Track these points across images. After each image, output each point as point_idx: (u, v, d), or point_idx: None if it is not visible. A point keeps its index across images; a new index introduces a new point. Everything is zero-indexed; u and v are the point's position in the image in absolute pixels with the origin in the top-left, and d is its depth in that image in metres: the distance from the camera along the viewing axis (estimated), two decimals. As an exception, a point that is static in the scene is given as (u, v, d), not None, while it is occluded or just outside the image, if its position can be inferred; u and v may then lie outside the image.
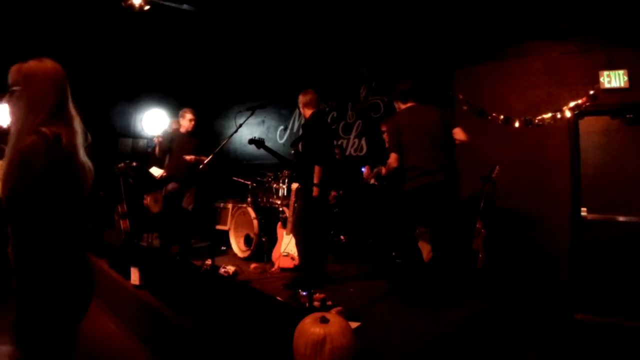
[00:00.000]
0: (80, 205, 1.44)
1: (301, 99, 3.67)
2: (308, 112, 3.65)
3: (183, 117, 4.64)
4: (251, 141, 3.96)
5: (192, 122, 4.63)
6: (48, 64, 1.42)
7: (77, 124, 1.45)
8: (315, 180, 3.40)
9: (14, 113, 1.38)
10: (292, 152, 4.20)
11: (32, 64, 1.40)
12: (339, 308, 2.71)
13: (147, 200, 5.10)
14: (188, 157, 4.41)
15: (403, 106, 3.29)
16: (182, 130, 4.66)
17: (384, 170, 3.40)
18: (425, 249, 3.42)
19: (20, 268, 1.35)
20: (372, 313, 2.81)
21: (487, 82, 4.47)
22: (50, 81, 1.40)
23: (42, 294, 1.35)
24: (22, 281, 1.36)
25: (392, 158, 3.13)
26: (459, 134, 3.14)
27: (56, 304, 1.38)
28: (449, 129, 3.15)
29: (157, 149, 4.75)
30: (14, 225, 1.32)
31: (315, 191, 3.42)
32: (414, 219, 3.14)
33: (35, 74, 1.38)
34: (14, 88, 1.37)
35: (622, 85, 3.70)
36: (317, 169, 3.39)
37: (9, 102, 1.39)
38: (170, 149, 4.63)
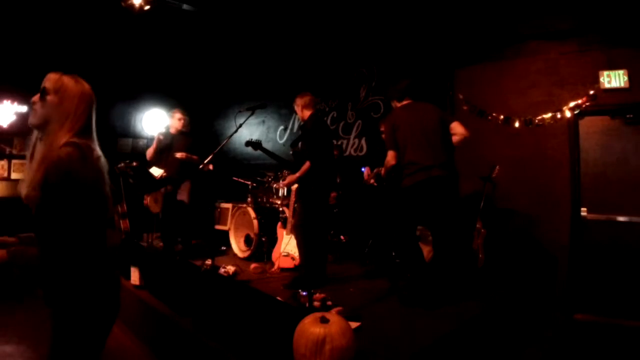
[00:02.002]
0: (105, 222, 1.48)
1: (299, 101, 3.67)
2: (307, 114, 3.65)
3: (172, 117, 4.79)
4: (248, 143, 3.96)
5: (182, 121, 4.76)
6: (85, 85, 1.49)
7: (98, 149, 1.50)
8: (299, 174, 3.43)
9: (40, 117, 1.42)
10: (291, 152, 4.21)
11: (71, 80, 1.46)
12: (339, 308, 2.71)
13: (147, 200, 5.10)
14: (179, 155, 4.52)
15: (399, 104, 3.30)
16: (172, 130, 4.78)
17: (383, 171, 3.40)
18: (424, 249, 3.42)
19: (57, 277, 1.37)
20: (372, 313, 2.81)
21: (487, 82, 4.47)
22: (85, 102, 1.46)
23: (78, 303, 1.38)
24: (56, 289, 1.38)
25: (390, 156, 3.13)
26: (456, 128, 3.10)
27: (91, 318, 1.41)
28: (445, 126, 3.12)
29: (153, 147, 4.77)
30: (47, 232, 1.35)
31: (289, 179, 3.52)
32: (413, 217, 3.13)
33: (72, 90, 1.45)
34: (49, 94, 1.42)
35: (622, 85, 3.70)
36: (306, 163, 3.41)
37: (36, 103, 1.43)
38: (169, 147, 4.69)
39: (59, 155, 1.31)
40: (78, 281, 1.37)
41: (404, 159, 3.07)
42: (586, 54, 3.89)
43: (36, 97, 1.44)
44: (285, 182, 3.57)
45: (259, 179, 5.18)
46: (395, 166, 3.12)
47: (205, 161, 3.69)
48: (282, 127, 6.65)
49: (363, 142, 5.47)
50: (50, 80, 1.45)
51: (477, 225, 3.90)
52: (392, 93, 3.38)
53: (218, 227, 5.42)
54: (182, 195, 4.64)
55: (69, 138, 1.38)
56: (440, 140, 3.06)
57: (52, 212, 1.32)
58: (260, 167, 5.73)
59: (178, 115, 4.77)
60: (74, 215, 1.33)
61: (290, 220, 4.15)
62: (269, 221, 4.58)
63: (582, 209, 3.89)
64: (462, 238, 3.85)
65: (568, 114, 3.92)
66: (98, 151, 1.47)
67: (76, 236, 1.35)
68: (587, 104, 3.83)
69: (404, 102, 3.28)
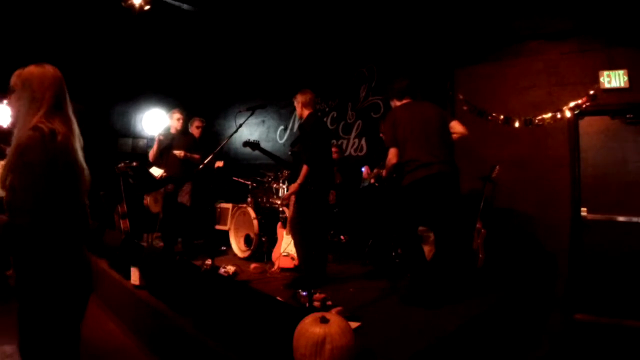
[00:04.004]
0: (78, 204, 1.50)
1: (299, 98, 3.66)
2: (305, 112, 3.64)
3: (171, 117, 4.85)
4: (246, 144, 3.93)
5: (180, 121, 4.83)
6: (47, 67, 1.53)
7: (75, 127, 1.52)
8: (299, 180, 3.41)
9: (14, 113, 1.51)
10: (289, 152, 4.20)
11: (31, 68, 1.51)
12: (339, 308, 2.71)
13: (147, 200, 5.11)
14: (177, 152, 4.55)
15: (399, 103, 3.31)
16: (172, 130, 4.84)
17: (384, 172, 3.40)
18: (424, 249, 3.42)
19: (20, 264, 1.41)
20: (372, 313, 2.81)
21: (487, 82, 4.47)
22: (47, 83, 1.49)
23: (41, 290, 1.41)
24: (22, 277, 1.41)
25: (392, 153, 3.12)
26: (456, 127, 3.13)
27: (55, 300, 1.43)
28: (445, 123, 3.14)
29: (154, 149, 4.82)
30: (12, 218, 1.37)
31: (293, 187, 3.46)
32: (415, 215, 3.12)
33: (33, 76, 1.49)
34: (14, 89, 1.50)
35: (622, 85, 3.70)
36: (304, 168, 3.41)
37: (9, 102, 1.52)
38: (170, 147, 4.71)
39: (20, 139, 1.37)
40: (41, 257, 1.39)
41: (404, 157, 3.07)
42: (586, 54, 3.89)
43: (7, 97, 1.52)
44: (290, 192, 3.54)
45: (259, 179, 5.19)
46: (397, 165, 3.12)
47: (205, 161, 3.69)
48: (282, 127, 6.65)
49: (363, 142, 5.47)
50: (14, 75, 1.51)
51: (477, 225, 3.90)
52: (392, 92, 3.39)
53: (218, 227, 5.42)
54: (183, 198, 4.65)
55: (37, 121, 1.40)
56: (440, 137, 3.07)
57: (15, 190, 1.35)
58: (260, 167, 5.72)
59: (177, 115, 4.82)
60: (33, 192, 1.35)
61: (289, 221, 4.15)
62: (269, 221, 4.58)
63: (582, 209, 3.89)
64: (462, 237, 3.85)
65: (568, 114, 3.92)
66: (66, 129, 1.46)
67: (36, 211, 1.36)
68: (587, 104, 3.83)
69: (404, 101, 3.29)
